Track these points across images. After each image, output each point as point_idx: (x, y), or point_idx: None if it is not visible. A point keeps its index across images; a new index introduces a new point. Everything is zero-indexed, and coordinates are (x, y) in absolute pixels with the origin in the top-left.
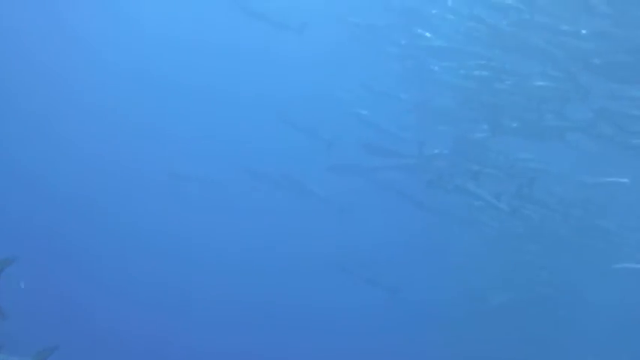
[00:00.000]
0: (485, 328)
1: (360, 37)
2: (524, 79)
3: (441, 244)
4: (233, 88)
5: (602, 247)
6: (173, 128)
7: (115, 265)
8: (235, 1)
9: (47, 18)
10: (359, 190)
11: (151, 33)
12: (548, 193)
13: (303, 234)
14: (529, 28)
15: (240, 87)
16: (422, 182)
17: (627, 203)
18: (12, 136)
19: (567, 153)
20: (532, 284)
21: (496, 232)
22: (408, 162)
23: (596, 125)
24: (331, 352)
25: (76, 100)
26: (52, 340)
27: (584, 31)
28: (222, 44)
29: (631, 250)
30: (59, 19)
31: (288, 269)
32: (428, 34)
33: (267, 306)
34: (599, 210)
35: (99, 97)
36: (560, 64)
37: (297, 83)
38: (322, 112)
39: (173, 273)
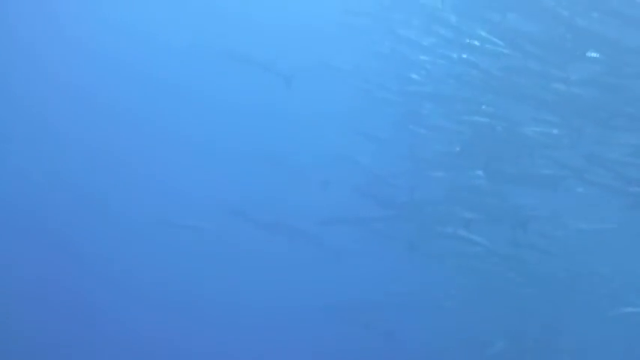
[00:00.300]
0: None
1: (349, 82)
2: (516, 124)
3: (435, 288)
4: (222, 133)
5: (597, 291)
6: (163, 175)
7: (106, 314)
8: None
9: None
10: (353, 234)
11: (140, 78)
12: (543, 237)
13: (297, 279)
14: (520, 73)
15: (230, 133)
16: (415, 228)
17: (622, 247)
18: None
19: (562, 197)
20: (528, 329)
21: (491, 277)
22: (401, 207)
23: (589, 171)
24: None
25: (68, 141)
26: None
27: (577, 77)
28: (213, 92)
29: (627, 294)
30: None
31: (283, 315)
32: (418, 79)
33: (261, 354)
34: (593, 254)
35: (91, 140)
36: (552, 110)
37: (288, 129)
38: (314, 155)
39: (165, 322)
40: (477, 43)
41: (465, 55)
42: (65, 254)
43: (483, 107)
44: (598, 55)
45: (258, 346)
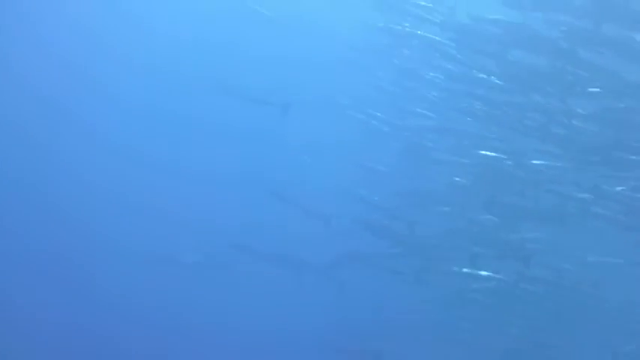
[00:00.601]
0: None
1: (352, 116)
2: (521, 157)
3: (442, 322)
4: (225, 166)
5: (609, 325)
6: (163, 207)
7: (110, 345)
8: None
9: None
10: (356, 267)
11: (143, 110)
12: (550, 269)
13: (300, 311)
14: (524, 106)
15: (233, 165)
16: (419, 262)
17: (631, 280)
18: None
19: (568, 230)
20: None
21: (498, 311)
22: (404, 242)
23: (595, 204)
24: None
25: (68, 175)
26: None
27: (580, 111)
28: (214, 125)
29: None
30: None
31: (286, 348)
32: (422, 112)
33: None
34: (603, 287)
35: (91, 174)
36: (557, 143)
37: (290, 161)
38: (317, 188)
39: (170, 353)
40: (482, 75)
41: (468, 89)
42: (66, 287)
43: (487, 141)
44: (601, 89)
45: None
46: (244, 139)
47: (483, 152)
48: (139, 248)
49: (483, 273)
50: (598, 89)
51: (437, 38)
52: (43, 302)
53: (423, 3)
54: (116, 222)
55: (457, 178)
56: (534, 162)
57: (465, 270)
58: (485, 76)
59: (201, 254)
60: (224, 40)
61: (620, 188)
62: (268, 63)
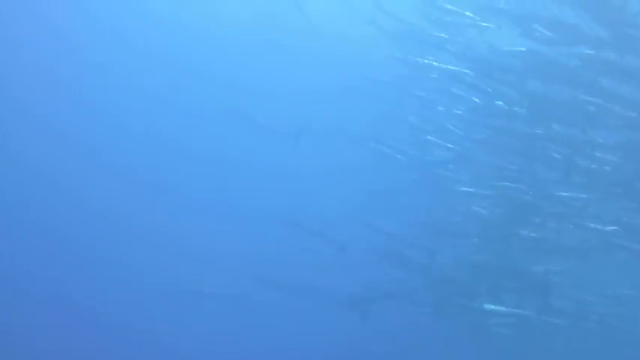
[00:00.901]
0: None
1: (368, 146)
2: (542, 189)
3: (459, 352)
4: (242, 197)
5: (630, 356)
6: (177, 238)
7: None
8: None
9: None
10: (375, 296)
11: (155, 144)
12: (572, 302)
13: (319, 341)
14: (545, 137)
15: (250, 197)
16: (438, 294)
17: None
18: None
19: (591, 263)
20: None
21: (521, 343)
22: (421, 274)
23: (617, 236)
24: None
25: (84, 206)
26: None
27: (602, 142)
28: (230, 155)
29: None
30: None
31: None
32: (441, 143)
33: None
34: (627, 320)
35: (106, 202)
36: (579, 174)
37: (305, 190)
38: (333, 218)
39: None
40: (502, 105)
41: (488, 119)
42: (89, 322)
43: (508, 172)
44: (623, 120)
45: None
46: (261, 170)
47: (504, 183)
48: (157, 280)
49: (505, 306)
50: (620, 120)
51: (455, 69)
52: (62, 338)
53: (441, 34)
54: (135, 253)
55: (477, 209)
56: (556, 194)
57: (485, 303)
58: (505, 106)
59: (220, 286)
60: (241, 69)
61: None
62: (290, 95)
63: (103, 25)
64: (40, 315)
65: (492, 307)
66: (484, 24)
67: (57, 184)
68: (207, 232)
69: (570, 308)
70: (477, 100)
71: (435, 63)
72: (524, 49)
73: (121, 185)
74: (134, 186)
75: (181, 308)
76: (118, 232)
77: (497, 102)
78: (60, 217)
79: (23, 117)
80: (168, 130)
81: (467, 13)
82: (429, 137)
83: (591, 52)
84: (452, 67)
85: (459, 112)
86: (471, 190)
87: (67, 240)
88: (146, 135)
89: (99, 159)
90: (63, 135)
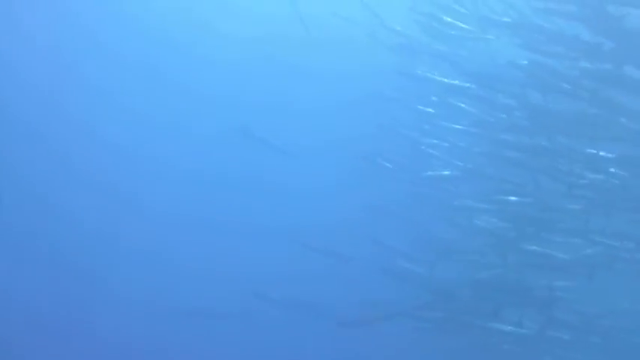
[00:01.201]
0: None
1: (368, 160)
2: (546, 202)
3: None
4: (243, 214)
5: None
6: (185, 259)
7: None
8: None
9: None
10: (378, 313)
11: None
12: (578, 316)
13: (321, 357)
14: (548, 150)
15: (251, 213)
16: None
17: None
18: None
19: (595, 276)
20: None
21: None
22: (422, 289)
23: (621, 249)
24: None
25: (82, 227)
26: None
27: (607, 155)
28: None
29: None
30: None
31: None
32: (443, 157)
33: None
34: (633, 333)
35: (105, 222)
36: (583, 188)
37: (306, 205)
38: (334, 233)
39: None
40: (504, 118)
41: (489, 132)
42: (92, 342)
43: (511, 185)
44: (627, 132)
45: None
46: (262, 186)
47: (507, 197)
48: (156, 299)
49: (509, 322)
50: (625, 132)
51: (456, 82)
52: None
53: (441, 47)
54: (137, 275)
55: (480, 224)
56: (560, 207)
57: (489, 319)
58: (507, 119)
59: (221, 304)
60: (241, 86)
61: None
62: (294, 113)
63: (101, 46)
64: (39, 339)
65: (496, 323)
66: (484, 36)
67: (68, 215)
68: (208, 250)
69: (575, 322)
70: (478, 112)
71: (436, 76)
72: (525, 62)
73: (121, 205)
74: (134, 205)
75: (182, 327)
76: (116, 252)
77: (500, 114)
78: (58, 239)
79: (20, 136)
80: (168, 148)
81: (467, 25)
82: (430, 151)
83: (592, 62)
84: (453, 81)
85: (461, 125)
86: (474, 204)
87: (64, 261)
88: (146, 154)
89: (99, 180)
90: (72, 166)
